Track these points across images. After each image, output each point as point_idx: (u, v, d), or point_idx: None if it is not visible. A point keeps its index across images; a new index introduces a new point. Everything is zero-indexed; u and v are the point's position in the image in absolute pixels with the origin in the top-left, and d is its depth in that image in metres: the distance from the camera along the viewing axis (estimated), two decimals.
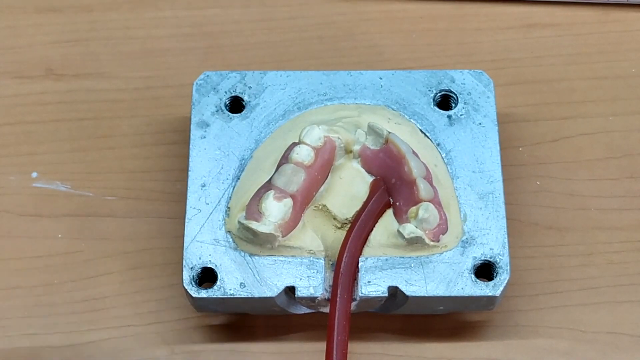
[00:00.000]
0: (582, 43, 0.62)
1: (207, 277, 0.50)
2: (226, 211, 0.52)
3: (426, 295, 0.49)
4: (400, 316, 0.52)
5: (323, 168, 0.51)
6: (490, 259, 0.50)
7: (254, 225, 0.49)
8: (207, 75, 0.55)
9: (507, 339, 0.53)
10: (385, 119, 0.54)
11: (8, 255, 0.56)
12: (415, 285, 0.49)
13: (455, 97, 0.54)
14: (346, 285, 0.49)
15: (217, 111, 0.54)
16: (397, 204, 0.51)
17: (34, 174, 0.58)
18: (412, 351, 0.53)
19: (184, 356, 0.53)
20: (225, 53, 0.62)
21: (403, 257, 0.50)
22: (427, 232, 0.50)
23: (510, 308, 0.54)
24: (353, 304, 0.49)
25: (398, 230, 0.50)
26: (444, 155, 0.53)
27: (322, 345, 0.48)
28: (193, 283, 0.50)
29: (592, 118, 0.59)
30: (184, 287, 0.50)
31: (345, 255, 0.49)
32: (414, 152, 0.51)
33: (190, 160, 0.53)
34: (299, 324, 0.53)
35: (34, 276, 0.55)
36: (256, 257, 0.50)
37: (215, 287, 0.50)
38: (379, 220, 0.51)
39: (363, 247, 0.50)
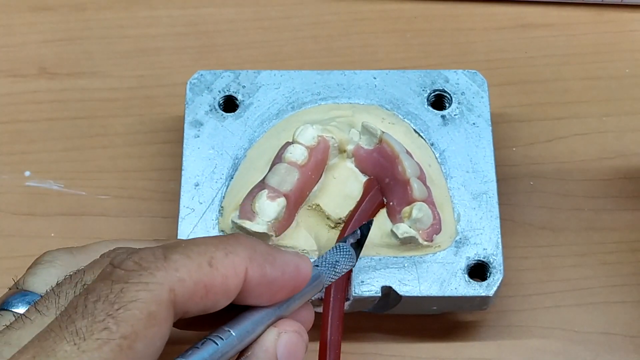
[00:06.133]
0: (576, 43, 0.62)
1: None
2: (220, 210, 0.51)
3: (419, 295, 0.49)
4: (394, 316, 0.52)
5: (317, 167, 0.51)
6: (483, 259, 0.50)
7: (247, 224, 0.49)
8: (201, 74, 0.55)
9: (500, 339, 0.53)
10: (379, 119, 0.54)
11: (1, 254, 0.55)
12: (409, 285, 0.49)
13: (449, 97, 0.54)
14: (339, 285, 0.48)
15: (210, 110, 0.54)
16: (391, 203, 0.51)
17: (27, 173, 0.58)
18: (405, 351, 0.53)
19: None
20: (219, 52, 0.62)
21: (396, 257, 0.50)
22: (420, 232, 0.50)
23: (504, 308, 0.54)
24: (346, 303, 0.49)
25: (392, 230, 0.50)
26: (437, 155, 0.53)
27: (315, 345, 0.48)
28: None
29: (586, 118, 0.59)
30: None
31: None
32: (407, 152, 0.51)
33: (183, 159, 0.53)
34: None
35: None
36: None
37: None
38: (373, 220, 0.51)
39: None
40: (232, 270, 0.36)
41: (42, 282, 0.40)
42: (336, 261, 0.41)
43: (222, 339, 0.36)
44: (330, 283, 0.42)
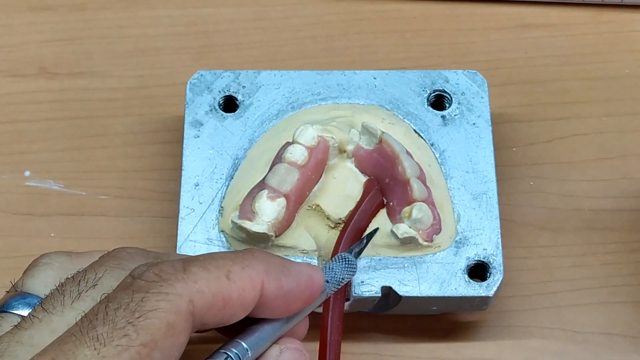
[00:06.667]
0: (576, 44, 0.62)
1: None
2: (220, 210, 0.51)
3: (419, 295, 0.49)
4: (394, 316, 0.52)
5: (317, 168, 0.51)
6: (483, 260, 0.50)
7: (247, 224, 0.49)
8: (201, 75, 0.55)
9: (500, 339, 0.53)
10: (379, 119, 0.54)
11: (1, 254, 0.55)
12: (409, 286, 0.49)
13: (449, 97, 0.54)
14: None
15: (210, 110, 0.54)
16: (391, 203, 0.51)
17: (27, 173, 0.58)
18: (405, 351, 0.53)
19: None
20: (219, 52, 0.62)
21: (396, 257, 0.50)
22: (420, 232, 0.50)
23: (504, 308, 0.54)
24: (346, 304, 0.49)
25: (392, 230, 0.50)
26: (437, 155, 0.53)
27: (315, 345, 0.48)
28: None
29: (586, 119, 0.59)
30: None
31: None
32: (407, 152, 0.51)
33: (183, 159, 0.53)
34: None
35: None
36: None
37: None
38: (373, 220, 0.51)
39: None
40: (249, 283, 0.36)
41: (40, 283, 0.40)
42: (342, 274, 0.42)
43: (237, 353, 0.37)
44: (332, 293, 0.42)
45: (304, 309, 0.40)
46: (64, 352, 0.33)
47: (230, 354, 0.37)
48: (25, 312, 0.39)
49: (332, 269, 0.42)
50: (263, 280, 0.37)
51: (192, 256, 0.38)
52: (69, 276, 0.38)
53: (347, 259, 0.43)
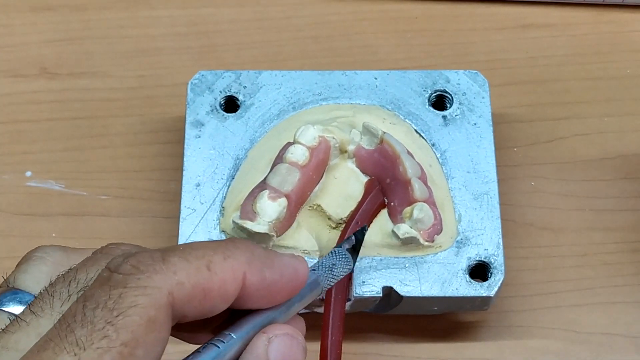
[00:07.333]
0: (577, 44, 0.62)
1: None
2: (221, 211, 0.51)
3: (420, 295, 0.49)
4: (395, 316, 0.52)
5: (318, 168, 0.51)
6: (484, 260, 0.50)
7: (248, 225, 0.49)
8: (202, 75, 0.55)
9: (501, 339, 0.53)
10: (380, 119, 0.54)
11: (1, 254, 0.55)
12: (410, 286, 0.49)
13: (450, 97, 0.54)
14: (341, 286, 0.48)
15: (211, 110, 0.54)
16: (392, 204, 0.51)
17: (28, 173, 0.58)
18: (406, 351, 0.53)
19: (179, 356, 0.53)
20: (220, 52, 0.62)
21: (397, 257, 0.50)
22: (421, 232, 0.50)
23: (505, 308, 0.54)
24: (347, 304, 0.49)
25: (393, 231, 0.50)
26: (438, 155, 0.53)
27: (316, 346, 0.48)
28: None
29: (587, 119, 0.59)
30: None
31: None
32: (408, 152, 0.51)
33: (184, 159, 0.53)
34: None
35: None
36: None
37: None
38: (374, 221, 0.51)
39: None
40: (231, 274, 0.35)
41: (32, 279, 0.39)
42: (333, 264, 0.41)
43: (223, 342, 0.36)
44: (328, 287, 0.41)
45: (298, 301, 0.39)
46: None
47: (217, 344, 0.36)
48: (15, 309, 0.38)
49: (324, 263, 0.41)
50: (245, 272, 0.36)
51: (172, 246, 0.36)
52: (60, 275, 0.37)
53: (340, 253, 0.42)
